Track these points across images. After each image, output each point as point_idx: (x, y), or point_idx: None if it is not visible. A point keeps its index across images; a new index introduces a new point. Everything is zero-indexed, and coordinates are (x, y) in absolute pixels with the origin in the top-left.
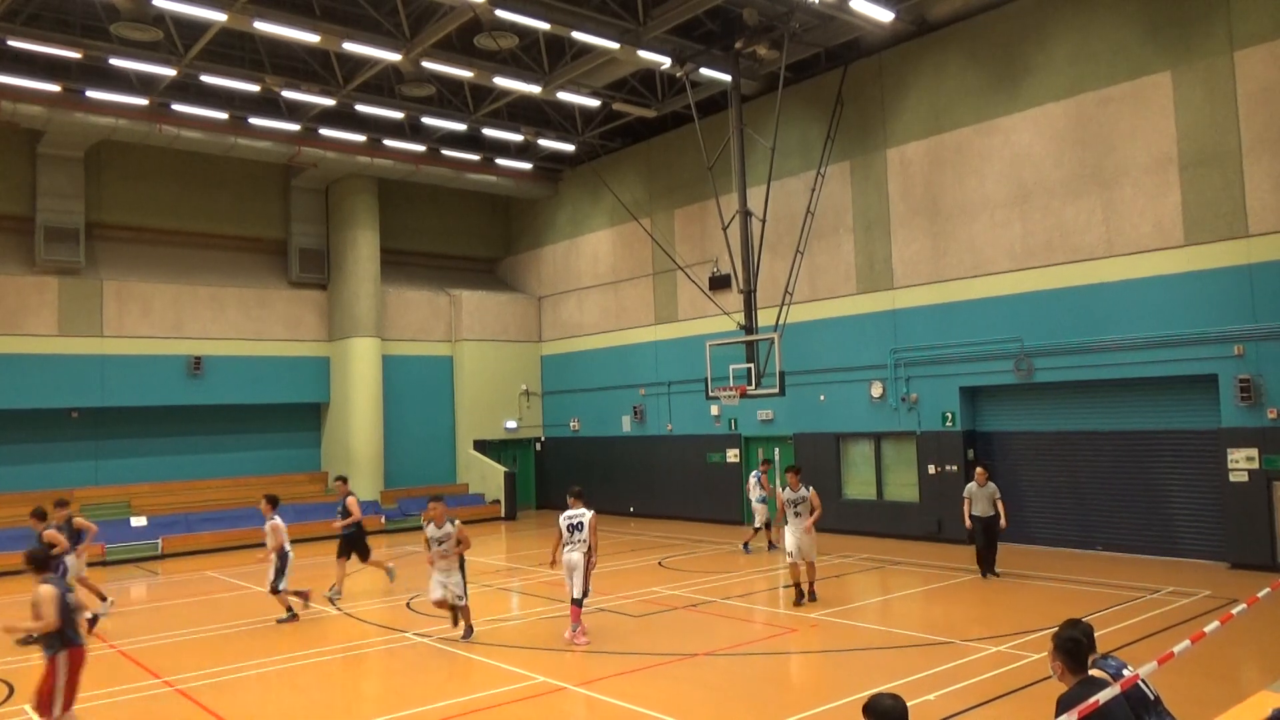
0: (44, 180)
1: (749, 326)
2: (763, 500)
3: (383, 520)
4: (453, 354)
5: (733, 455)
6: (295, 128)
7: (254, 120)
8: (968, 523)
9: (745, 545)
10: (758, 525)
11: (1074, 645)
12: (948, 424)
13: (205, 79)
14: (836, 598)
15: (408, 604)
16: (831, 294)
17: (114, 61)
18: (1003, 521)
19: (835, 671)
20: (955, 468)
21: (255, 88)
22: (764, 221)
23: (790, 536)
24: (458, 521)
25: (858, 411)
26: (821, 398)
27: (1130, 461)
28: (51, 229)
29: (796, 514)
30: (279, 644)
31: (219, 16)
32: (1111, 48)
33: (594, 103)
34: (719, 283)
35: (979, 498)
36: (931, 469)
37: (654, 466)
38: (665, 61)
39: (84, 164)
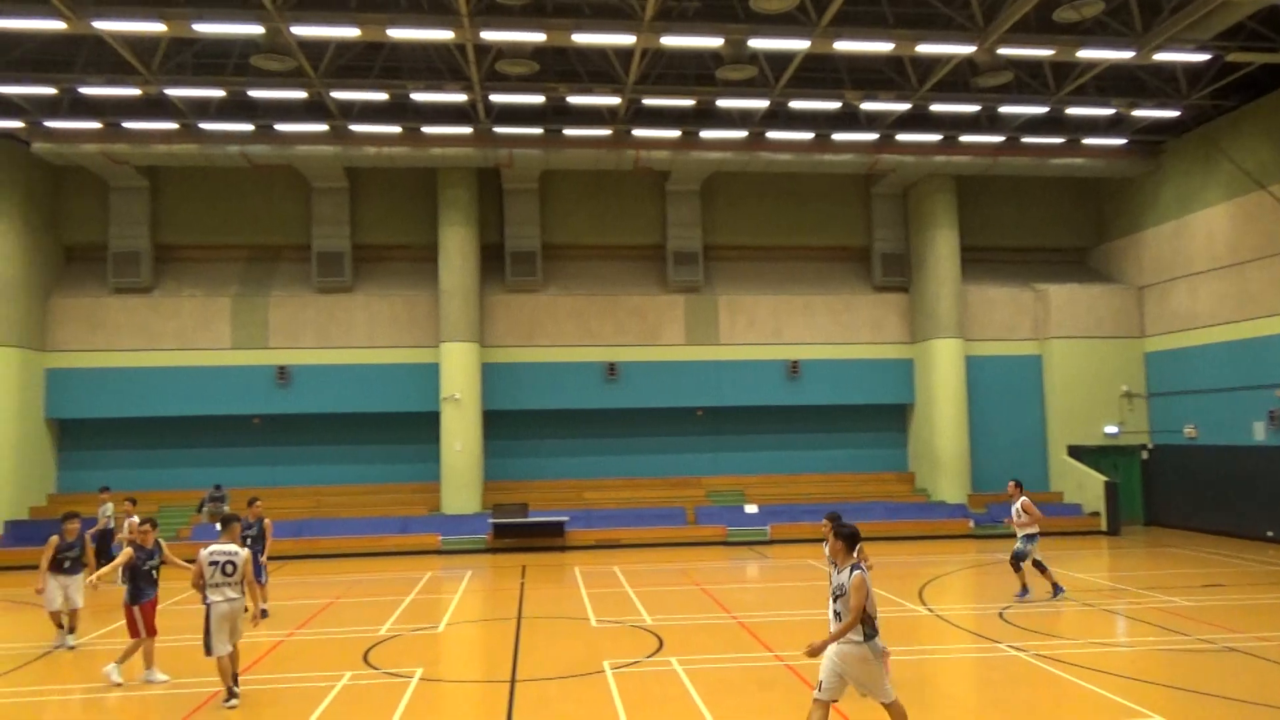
0: (673, 212)
1: None
2: None
3: (970, 524)
4: (1040, 352)
5: None
6: (873, 137)
7: (835, 135)
8: None
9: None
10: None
11: None
12: None
13: (792, 105)
14: None
15: (1000, 614)
16: None
17: (719, 102)
18: None
19: None
20: None
21: (836, 104)
22: None
23: (829, 652)
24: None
25: None
26: None
27: None
28: (679, 254)
29: (836, 614)
30: None
31: (803, 44)
32: None
33: (1201, 58)
34: None
35: None
36: None
37: None
38: None
39: (699, 195)
